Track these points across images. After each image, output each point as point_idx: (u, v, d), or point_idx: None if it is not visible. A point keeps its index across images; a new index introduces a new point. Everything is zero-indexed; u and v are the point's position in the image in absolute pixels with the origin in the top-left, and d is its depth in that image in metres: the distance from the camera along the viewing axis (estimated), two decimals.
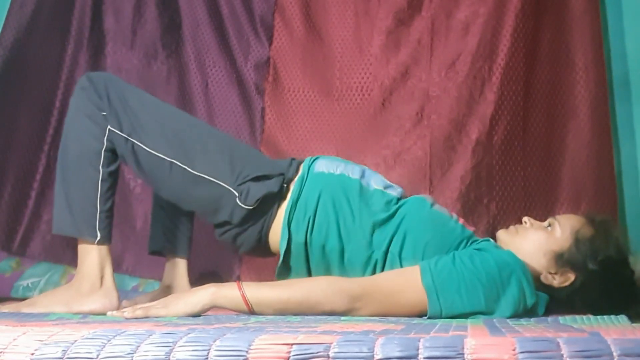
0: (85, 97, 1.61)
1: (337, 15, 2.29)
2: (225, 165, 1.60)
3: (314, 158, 1.69)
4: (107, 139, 1.59)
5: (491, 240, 1.60)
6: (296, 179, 1.63)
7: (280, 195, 1.61)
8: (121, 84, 1.66)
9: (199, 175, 1.58)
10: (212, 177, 1.58)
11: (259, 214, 1.59)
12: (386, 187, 1.64)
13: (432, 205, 1.63)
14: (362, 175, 1.64)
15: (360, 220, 1.56)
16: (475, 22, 2.11)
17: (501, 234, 1.64)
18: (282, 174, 1.62)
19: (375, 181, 1.65)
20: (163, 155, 1.59)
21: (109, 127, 1.59)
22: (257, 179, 1.59)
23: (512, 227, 1.64)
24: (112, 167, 1.60)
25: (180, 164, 1.58)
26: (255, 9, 2.33)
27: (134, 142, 1.59)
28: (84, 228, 1.57)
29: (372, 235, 1.56)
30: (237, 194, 1.58)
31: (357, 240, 1.56)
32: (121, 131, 1.59)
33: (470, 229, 1.62)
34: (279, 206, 1.61)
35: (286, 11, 2.32)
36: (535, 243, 1.58)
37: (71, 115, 1.64)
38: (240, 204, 1.57)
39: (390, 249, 1.55)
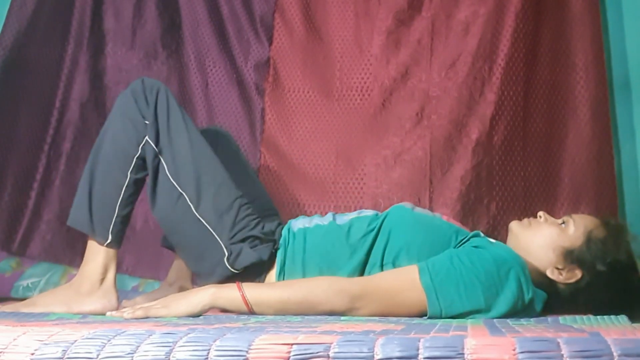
0: (134, 100, 1.61)
1: (337, 15, 2.29)
2: (227, 221, 1.59)
3: (288, 223, 1.69)
4: (142, 147, 1.59)
5: (481, 233, 1.61)
6: (280, 243, 1.63)
7: (269, 263, 1.60)
8: (171, 100, 1.64)
9: (199, 219, 1.58)
10: (210, 226, 1.58)
11: (246, 280, 1.55)
12: (359, 212, 1.68)
13: (412, 209, 1.67)
14: (333, 218, 1.66)
15: (351, 252, 1.58)
16: (476, 22, 2.11)
17: (514, 225, 1.65)
18: (273, 240, 1.62)
19: (347, 215, 1.68)
20: (177, 184, 1.59)
21: (147, 137, 1.59)
22: (251, 239, 1.58)
23: (525, 220, 1.65)
24: (140, 175, 1.61)
25: (187, 200, 1.58)
26: (256, 9, 2.33)
27: (160, 160, 1.60)
28: (98, 228, 1.58)
29: (365, 259, 1.57)
30: (226, 253, 1.57)
31: (353, 270, 1.57)
32: (156, 145, 1.59)
33: (455, 223, 1.64)
34: (267, 273, 1.60)
35: (286, 11, 2.32)
36: (546, 237, 1.59)
37: (114, 114, 1.64)
38: (226, 264, 1.57)
39: (384, 262, 1.56)
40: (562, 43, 2.12)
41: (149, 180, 1.62)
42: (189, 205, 1.58)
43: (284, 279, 1.59)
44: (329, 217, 1.68)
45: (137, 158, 1.59)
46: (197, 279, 1.66)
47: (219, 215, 1.59)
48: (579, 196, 2.05)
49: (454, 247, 1.55)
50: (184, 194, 1.59)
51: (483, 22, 2.09)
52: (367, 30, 2.24)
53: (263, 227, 1.62)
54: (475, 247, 1.51)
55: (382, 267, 1.56)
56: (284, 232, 1.65)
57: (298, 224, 1.67)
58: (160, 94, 1.63)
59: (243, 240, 1.58)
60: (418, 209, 1.69)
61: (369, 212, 1.67)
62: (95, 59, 2.33)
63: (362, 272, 1.57)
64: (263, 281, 1.60)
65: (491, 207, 2.02)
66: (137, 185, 1.61)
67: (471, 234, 1.60)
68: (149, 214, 2.17)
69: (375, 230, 1.59)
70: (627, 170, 2.12)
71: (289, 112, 2.26)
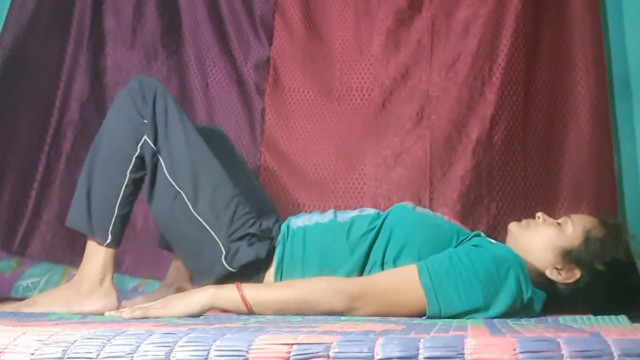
0: (131, 99, 1.60)
1: (337, 15, 2.29)
2: (224, 220, 1.58)
3: (288, 220, 1.69)
4: (140, 147, 1.59)
5: (482, 233, 1.62)
6: (278, 240, 1.63)
7: (267, 260, 1.60)
8: (168, 98, 1.63)
9: (196, 217, 1.58)
10: (207, 225, 1.58)
11: (244, 278, 1.56)
12: (361, 211, 1.67)
13: (414, 208, 1.67)
14: (334, 215, 1.66)
15: (351, 250, 1.57)
16: (476, 22, 2.11)
17: (512, 226, 1.65)
18: (271, 237, 1.62)
19: (349, 212, 1.67)
20: (174, 183, 1.58)
21: (145, 136, 1.59)
22: (248, 237, 1.58)
23: (524, 221, 1.66)
24: (138, 175, 1.60)
25: (185, 198, 1.58)
26: (256, 9, 2.33)
27: (158, 159, 1.59)
28: (97, 228, 1.57)
29: (365, 258, 1.56)
30: (223, 252, 1.57)
31: (352, 269, 1.56)
32: (154, 144, 1.59)
33: (457, 223, 1.65)
34: (265, 270, 1.60)
35: (286, 11, 2.32)
36: (545, 238, 1.59)
37: (112, 114, 1.63)
38: (224, 262, 1.57)
39: (385, 260, 1.56)
40: (562, 43, 2.12)
41: (147, 179, 1.61)
42: (187, 203, 1.58)
43: (282, 277, 1.59)
44: (329, 214, 1.67)
45: (136, 157, 1.59)
46: (195, 278, 1.65)
47: (217, 213, 1.59)
48: (579, 196, 2.05)
49: (454, 247, 1.55)
50: (181, 192, 1.58)
51: (483, 22, 2.09)
52: (367, 30, 2.24)
53: (260, 225, 1.62)
54: (474, 246, 1.51)
55: (382, 266, 1.56)
56: (283, 229, 1.65)
57: (298, 221, 1.67)
58: (158, 93, 1.62)
59: (240, 239, 1.58)
60: (419, 209, 1.69)
61: (371, 211, 1.67)
62: (95, 58, 2.33)
63: (362, 271, 1.57)
64: (261, 279, 1.60)
65: (491, 207, 2.02)
66: (136, 185, 1.61)
67: (472, 234, 1.60)
68: (148, 213, 2.17)
69: (377, 229, 1.59)
70: (627, 170, 2.12)
71: (289, 112, 2.26)
